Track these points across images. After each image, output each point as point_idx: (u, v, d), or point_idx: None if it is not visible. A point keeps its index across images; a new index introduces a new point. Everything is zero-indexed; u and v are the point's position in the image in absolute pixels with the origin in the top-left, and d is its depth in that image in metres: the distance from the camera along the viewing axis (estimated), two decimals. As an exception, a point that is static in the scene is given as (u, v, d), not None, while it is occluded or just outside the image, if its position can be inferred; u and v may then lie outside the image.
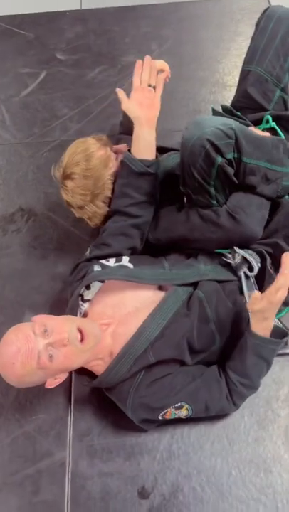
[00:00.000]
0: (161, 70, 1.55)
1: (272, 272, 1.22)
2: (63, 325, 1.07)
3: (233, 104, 1.53)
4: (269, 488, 1.17)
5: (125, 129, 1.69)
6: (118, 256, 1.27)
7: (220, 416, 1.25)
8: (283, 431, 1.23)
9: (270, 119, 1.40)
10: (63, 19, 2.45)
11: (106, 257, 1.27)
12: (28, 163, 1.86)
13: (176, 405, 1.12)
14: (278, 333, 1.13)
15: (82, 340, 1.06)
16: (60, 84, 2.14)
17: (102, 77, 2.14)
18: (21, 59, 2.26)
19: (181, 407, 1.12)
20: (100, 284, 1.21)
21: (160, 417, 1.14)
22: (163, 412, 1.12)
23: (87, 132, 1.90)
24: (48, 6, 2.51)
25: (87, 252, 1.31)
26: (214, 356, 1.22)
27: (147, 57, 1.30)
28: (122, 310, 1.17)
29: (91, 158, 1.32)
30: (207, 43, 2.24)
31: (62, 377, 1.13)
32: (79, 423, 1.28)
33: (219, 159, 1.12)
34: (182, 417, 1.15)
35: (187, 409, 1.13)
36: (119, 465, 1.22)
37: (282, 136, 1.39)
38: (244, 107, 1.46)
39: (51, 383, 1.12)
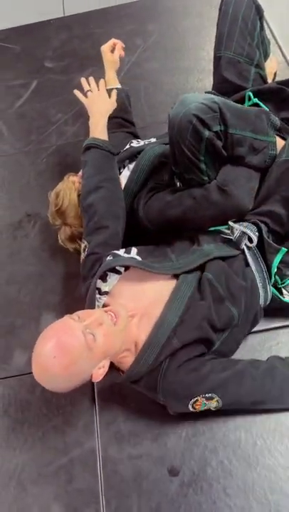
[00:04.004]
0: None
1: (270, 240, 1.25)
2: (92, 311, 1.12)
3: (213, 90, 1.56)
4: (295, 454, 1.20)
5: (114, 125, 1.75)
6: (117, 235, 1.31)
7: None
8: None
9: (252, 95, 1.43)
10: (48, 28, 2.51)
11: (107, 240, 1.29)
12: (29, 170, 1.92)
13: (207, 395, 1.12)
14: None
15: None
16: (51, 91, 2.19)
17: (91, 78, 2.19)
18: (11, 72, 2.33)
19: (211, 398, 1.12)
20: (118, 276, 1.23)
21: (191, 407, 1.13)
22: (193, 401, 1.12)
23: (82, 134, 1.97)
24: (31, 17, 2.58)
25: (85, 244, 1.32)
26: (238, 333, 1.26)
27: None
28: (144, 301, 1.19)
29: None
30: (189, 32, 2.27)
31: (106, 365, 1.10)
32: (104, 412, 1.33)
33: (207, 133, 1.16)
34: (212, 408, 1.16)
35: (217, 401, 1.13)
36: (147, 447, 1.26)
37: (267, 109, 1.42)
38: (225, 91, 1.50)
39: (97, 375, 1.08)
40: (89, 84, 1.57)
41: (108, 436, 1.29)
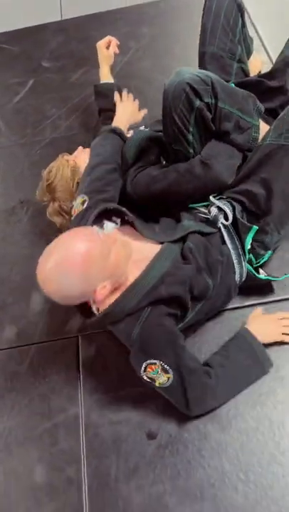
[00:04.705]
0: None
1: (242, 219, 1.32)
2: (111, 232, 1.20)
3: None
4: (265, 419, 1.26)
5: (106, 117, 1.85)
6: (114, 202, 1.37)
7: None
8: (274, 367, 1.32)
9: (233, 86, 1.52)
10: (46, 31, 2.63)
11: (108, 200, 1.33)
12: (23, 161, 2.02)
13: (166, 367, 1.15)
14: None
15: None
16: (47, 89, 2.30)
17: (85, 77, 2.29)
18: (10, 71, 2.44)
19: (166, 372, 1.16)
20: (114, 226, 1.24)
21: (142, 368, 1.17)
22: (151, 362, 1.15)
23: (76, 128, 2.07)
24: (30, 21, 2.70)
25: (84, 199, 1.33)
26: (211, 305, 1.33)
27: None
28: (136, 252, 1.22)
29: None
30: (180, 35, 2.38)
31: (108, 287, 1.13)
32: (88, 381, 1.40)
33: (198, 102, 1.25)
34: (157, 383, 1.18)
35: (168, 378, 1.17)
36: (127, 413, 1.33)
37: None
38: None
39: (100, 293, 1.11)
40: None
41: (91, 403, 1.36)
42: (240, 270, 1.35)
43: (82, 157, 1.60)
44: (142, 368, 1.17)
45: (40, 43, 2.57)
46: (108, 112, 1.85)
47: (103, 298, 1.14)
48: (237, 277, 1.36)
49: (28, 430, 1.35)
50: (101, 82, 1.85)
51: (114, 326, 1.20)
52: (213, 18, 1.57)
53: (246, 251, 1.35)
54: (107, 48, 1.84)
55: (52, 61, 2.44)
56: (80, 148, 1.66)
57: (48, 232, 1.75)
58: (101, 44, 1.82)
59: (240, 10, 1.60)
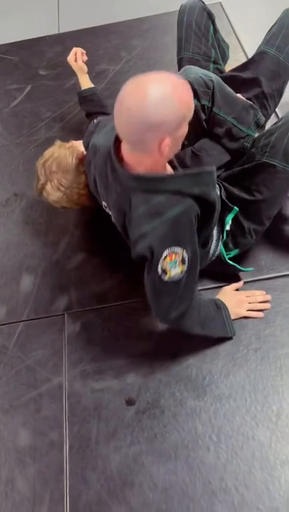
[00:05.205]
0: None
1: (226, 200, 1.41)
2: None
3: None
4: (238, 387, 1.34)
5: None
6: None
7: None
8: (248, 339, 1.41)
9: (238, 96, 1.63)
10: (44, 43, 2.78)
11: None
12: (18, 158, 2.13)
13: (185, 256, 1.15)
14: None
15: None
16: (43, 94, 2.43)
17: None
18: (9, 78, 2.58)
19: (183, 263, 1.15)
20: None
21: (163, 257, 1.14)
22: (176, 249, 1.14)
23: (68, 129, 2.19)
24: (30, 33, 2.86)
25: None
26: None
27: None
28: None
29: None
30: (170, 46, 2.51)
31: (169, 145, 1.05)
32: (72, 354, 1.48)
33: (194, 102, 1.34)
34: (168, 275, 1.16)
35: (182, 271, 1.16)
36: (108, 382, 1.40)
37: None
38: None
39: (166, 144, 1.04)
40: None
41: (74, 374, 1.44)
42: (215, 247, 1.44)
43: (76, 143, 1.69)
44: (164, 255, 1.14)
45: (39, 53, 2.72)
46: (95, 114, 1.96)
47: (164, 151, 1.06)
48: (211, 252, 1.44)
49: (14, 399, 1.42)
50: (82, 88, 1.96)
51: (153, 194, 1.14)
52: (186, 28, 1.70)
53: (224, 230, 1.44)
54: (76, 60, 1.91)
55: (48, 69, 2.58)
56: (72, 140, 1.76)
57: (39, 222, 1.86)
58: (70, 58, 1.91)
59: (211, 17, 1.73)
